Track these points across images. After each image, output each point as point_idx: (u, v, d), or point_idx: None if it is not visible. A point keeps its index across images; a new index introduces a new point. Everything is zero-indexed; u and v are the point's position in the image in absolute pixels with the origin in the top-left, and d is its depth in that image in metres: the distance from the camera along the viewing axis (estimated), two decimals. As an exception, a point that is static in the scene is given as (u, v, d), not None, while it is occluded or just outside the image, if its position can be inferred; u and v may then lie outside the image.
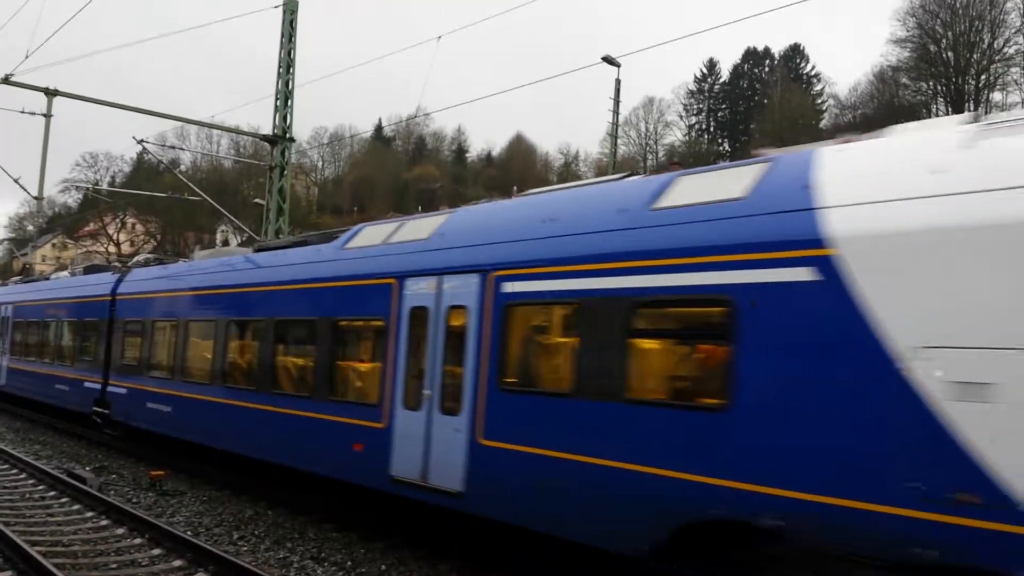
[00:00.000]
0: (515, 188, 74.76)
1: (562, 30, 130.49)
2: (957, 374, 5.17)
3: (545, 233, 8.32)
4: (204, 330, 14.23)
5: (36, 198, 22.63)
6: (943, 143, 5.98)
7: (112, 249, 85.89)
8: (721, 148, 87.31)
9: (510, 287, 8.45)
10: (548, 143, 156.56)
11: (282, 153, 24.94)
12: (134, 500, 12.50)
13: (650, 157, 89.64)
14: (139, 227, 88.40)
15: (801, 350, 6.01)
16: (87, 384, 18.56)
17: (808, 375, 5.95)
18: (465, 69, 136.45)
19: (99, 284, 19.44)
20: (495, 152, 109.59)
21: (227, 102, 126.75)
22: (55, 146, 21.71)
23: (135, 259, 22.30)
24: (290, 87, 24.56)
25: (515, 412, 8.17)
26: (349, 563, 9.57)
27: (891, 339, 5.51)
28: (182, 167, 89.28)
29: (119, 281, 18.34)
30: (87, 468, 14.70)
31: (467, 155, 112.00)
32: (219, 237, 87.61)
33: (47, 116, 21.73)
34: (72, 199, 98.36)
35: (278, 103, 24.62)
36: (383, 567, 9.43)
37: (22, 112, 22.04)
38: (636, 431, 7.00)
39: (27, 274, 39.81)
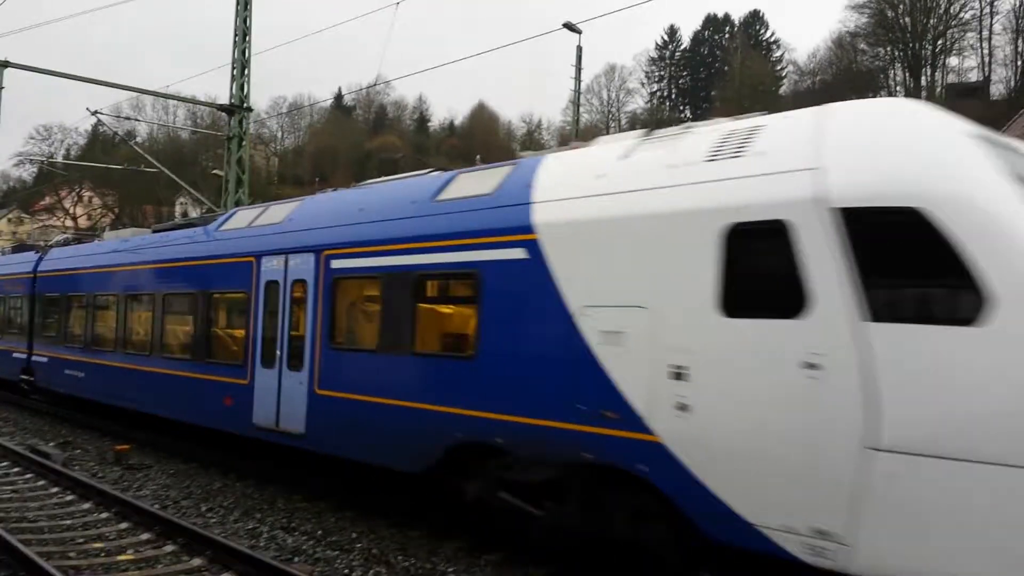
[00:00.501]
0: (478, 157, 74.63)
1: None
2: (603, 326, 7.10)
3: (359, 220, 10.27)
4: (107, 303, 16.31)
5: None
6: (612, 153, 7.90)
7: (69, 223, 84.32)
8: (683, 115, 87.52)
9: (336, 264, 10.37)
10: (511, 111, 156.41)
11: (240, 123, 24.63)
12: (99, 475, 12.45)
13: (612, 125, 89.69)
14: (96, 200, 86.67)
15: (515, 311, 7.96)
16: (15, 355, 20.51)
17: (520, 330, 7.89)
18: (426, 37, 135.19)
19: (23, 263, 21.17)
20: (457, 121, 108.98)
21: (183, 72, 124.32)
22: (8, 119, 21.20)
23: (55, 239, 23.72)
24: (247, 55, 24.21)
25: (340, 366, 10.17)
26: (320, 532, 9.66)
27: (568, 301, 7.44)
28: (138, 139, 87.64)
29: (40, 259, 20.03)
30: (51, 444, 14.57)
31: (429, 124, 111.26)
32: (178, 209, 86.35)
33: (-3, 88, 21.29)
34: (27, 173, 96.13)
35: (235, 72, 24.26)
36: (353, 535, 9.53)
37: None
38: (420, 377, 9.00)
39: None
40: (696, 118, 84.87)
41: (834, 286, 5.74)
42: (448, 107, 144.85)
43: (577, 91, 32.25)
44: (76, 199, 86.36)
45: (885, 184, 5.63)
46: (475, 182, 9.15)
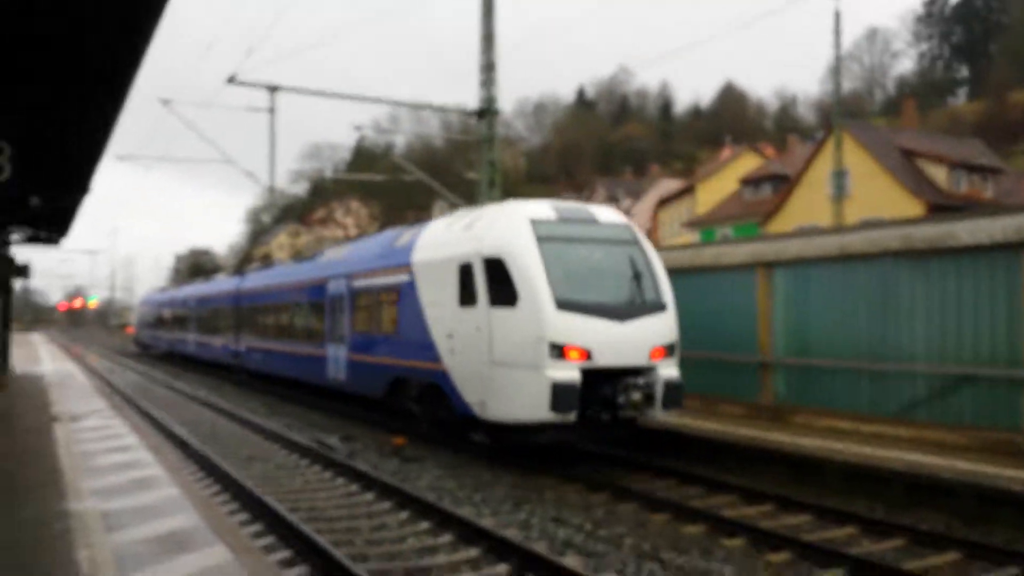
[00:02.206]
0: (727, 139, 71.85)
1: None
2: (431, 313, 14.05)
3: (360, 258, 18.41)
4: (266, 309, 26.17)
5: (269, 189, 24.55)
6: (442, 224, 15.10)
7: (340, 233, 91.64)
8: (958, 75, 79.66)
9: (354, 284, 18.21)
10: (761, 88, 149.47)
11: (489, 126, 25.29)
12: (379, 467, 13.11)
13: (877, 91, 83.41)
14: (363, 211, 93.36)
15: (407, 307, 14.99)
16: (229, 347, 30.79)
17: (408, 317, 14.89)
18: (666, 19, 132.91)
19: (230, 282, 32.61)
20: (703, 104, 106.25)
21: (434, 83, 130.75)
22: (283, 139, 23.50)
23: (252, 265, 37.15)
24: (492, 60, 24.78)
25: (358, 342, 17.73)
26: (589, 525, 9.51)
27: (422, 302, 14.29)
28: (396, 150, 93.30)
29: (241, 280, 30.91)
30: (335, 438, 15.60)
31: (673, 110, 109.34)
32: (436, 213, 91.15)
33: (271, 111, 23.26)
34: (301, 189, 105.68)
35: (482, 77, 24.92)
36: (623, 531, 9.29)
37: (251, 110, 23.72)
38: (383, 344, 16.25)
39: (264, 263, 50.13)
40: (974, 77, 76.69)
41: (483, 291, 12.49)
42: (693, 89, 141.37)
43: (838, 58, 30.09)
44: (345, 210, 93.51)
45: (490, 248, 12.47)
46: (401, 238, 16.70)
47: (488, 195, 25.32)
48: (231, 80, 21.57)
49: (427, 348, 14.04)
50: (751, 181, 50.97)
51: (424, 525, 9.47)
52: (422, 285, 14.49)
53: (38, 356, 38.61)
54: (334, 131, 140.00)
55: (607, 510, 10.42)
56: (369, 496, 11.01)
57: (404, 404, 15.57)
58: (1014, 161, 57.17)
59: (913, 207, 38.68)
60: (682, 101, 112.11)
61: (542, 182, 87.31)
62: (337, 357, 18.84)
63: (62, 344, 65.31)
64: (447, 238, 14.19)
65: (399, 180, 54.75)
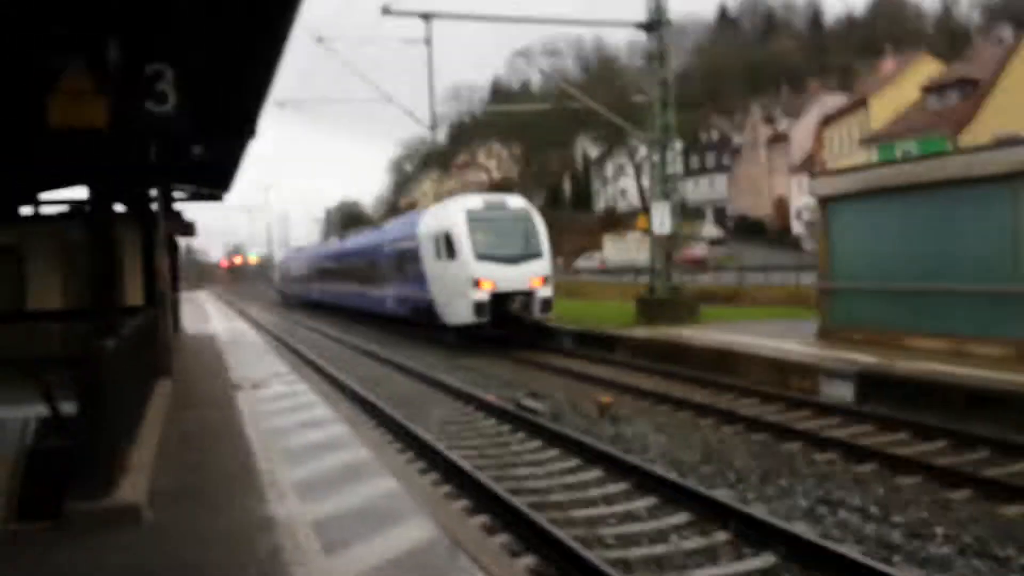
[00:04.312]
0: (888, 47, 65.81)
1: None
2: (427, 266, 24.37)
3: (397, 230, 30.09)
4: (333, 267, 41.51)
5: (430, 127, 23.30)
6: (436, 207, 27.70)
7: (483, 176, 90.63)
8: None
9: (392, 247, 28.97)
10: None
11: (660, 39, 22.82)
12: (594, 431, 11.38)
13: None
14: (504, 152, 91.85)
15: (414, 262, 25.30)
16: (312, 295, 48.55)
17: (416, 268, 25.18)
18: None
19: (335, 244, 46.33)
20: (857, 12, 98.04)
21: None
22: (433, 78, 22.29)
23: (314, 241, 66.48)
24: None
25: (396, 284, 28.59)
26: (873, 507, 7.48)
27: (424, 258, 24.44)
28: (533, 87, 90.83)
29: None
30: (529, 398, 13.97)
31: (823, 21, 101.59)
32: (579, 150, 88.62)
33: (428, 43, 21.65)
34: (442, 134, 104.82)
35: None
36: (925, 514, 7.20)
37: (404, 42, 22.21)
38: (409, 286, 26.44)
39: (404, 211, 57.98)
40: None
41: (443, 251, 22.86)
42: None
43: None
44: (487, 153, 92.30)
45: (445, 227, 23.05)
46: (414, 219, 27.49)
47: (662, 117, 22.98)
48: (385, 11, 20.07)
49: (425, 285, 24.08)
50: (935, 88, 45.88)
51: (683, 517, 7.64)
52: (421, 247, 24.36)
53: (207, 314, 39.26)
54: (482, 67, 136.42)
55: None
56: (596, 473, 9.24)
57: (418, 319, 25.37)
58: None
59: None
60: (833, 9, 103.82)
61: (683, 108, 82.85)
62: (386, 296, 29.37)
63: (228, 300, 67.50)
64: (430, 221, 24.73)
65: (542, 115, 52.79)
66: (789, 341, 16.36)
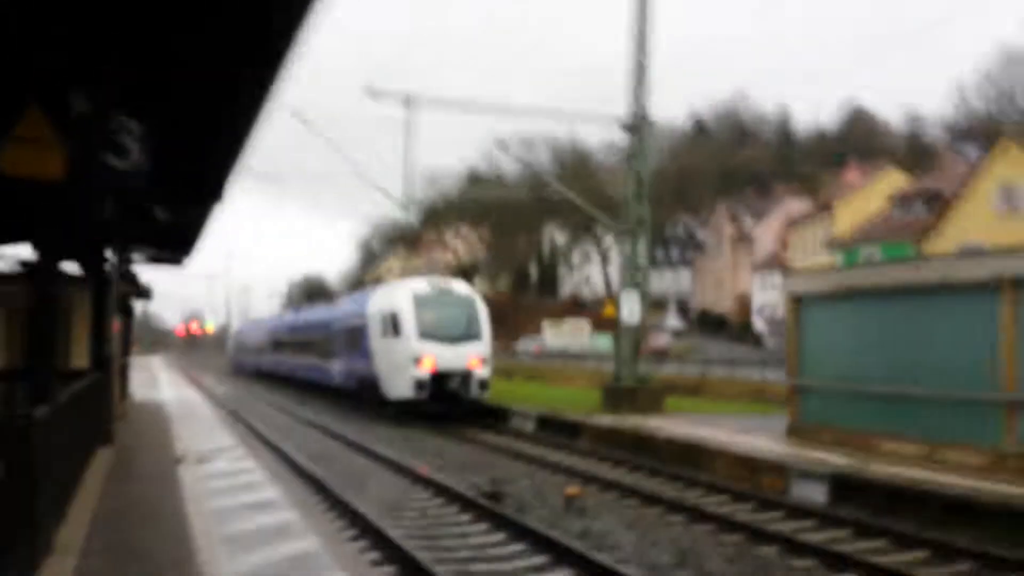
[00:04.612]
0: (854, 158, 67.47)
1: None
2: (373, 344, 25.66)
3: (347, 307, 31.60)
4: (284, 340, 42.72)
5: (403, 206, 23.46)
6: (385, 287, 30.69)
7: (449, 257, 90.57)
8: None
9: (342, 324, 30.43)
10: (883, 108, 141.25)
11: (640, 139, 23.00)
12: (559, 526, 10.76)
13: (1016, 116, 77.10)
14: (472, 235, 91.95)
15: (364, 338, 26.26)
16: (263, 366, 49.30)
17: (365, 343, 26.09)
18: (788, 39, 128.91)
19: (287, 317, 47.65)
20: (825, 124, 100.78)
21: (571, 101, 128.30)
22: (398, 168, 24.20)
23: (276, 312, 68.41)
24: (644, 67, 22.49)
25: (344, 358, 30.04)
26: None
27: (370, 336, 25.72)
28: (507, 178, 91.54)
29: (275, 320, 51.30)
30: (488, 483, 13.29)
31: (792, 134, 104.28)
32: (545, 235, 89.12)
33: (407, 126, 21.71)
34: (413, 215, 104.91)
35: (635, 86, 22.66)
36: None
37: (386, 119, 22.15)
38: (356, 361, 27.86)
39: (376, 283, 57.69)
40: None
41: (389, 330, 24.27)
42: (813, 112, 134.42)
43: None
44: (455, 234, 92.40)
45: (392, 308, 24.46)
46: (363, 298, 29.46)
47: (636, 208, 22.99)
48: (368, 91, 20.13)
49: (371, 360, 25.27)
50: (901, 199, 46.98)
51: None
52: (369, 324, 25.64)
53: (158, 381, 38.06)
54: (461, 149, 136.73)
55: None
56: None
57: (363, 393, 26.46)
58: None
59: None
60: (802, 123, 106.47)
61: (654, 203, 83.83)
62: (335, 369, 30.40)
63: (182, 367, 65.89)
64: (379, 300, 26.24)
65: (514, 201, 53.47)
66: (759, 437, 15.97)
